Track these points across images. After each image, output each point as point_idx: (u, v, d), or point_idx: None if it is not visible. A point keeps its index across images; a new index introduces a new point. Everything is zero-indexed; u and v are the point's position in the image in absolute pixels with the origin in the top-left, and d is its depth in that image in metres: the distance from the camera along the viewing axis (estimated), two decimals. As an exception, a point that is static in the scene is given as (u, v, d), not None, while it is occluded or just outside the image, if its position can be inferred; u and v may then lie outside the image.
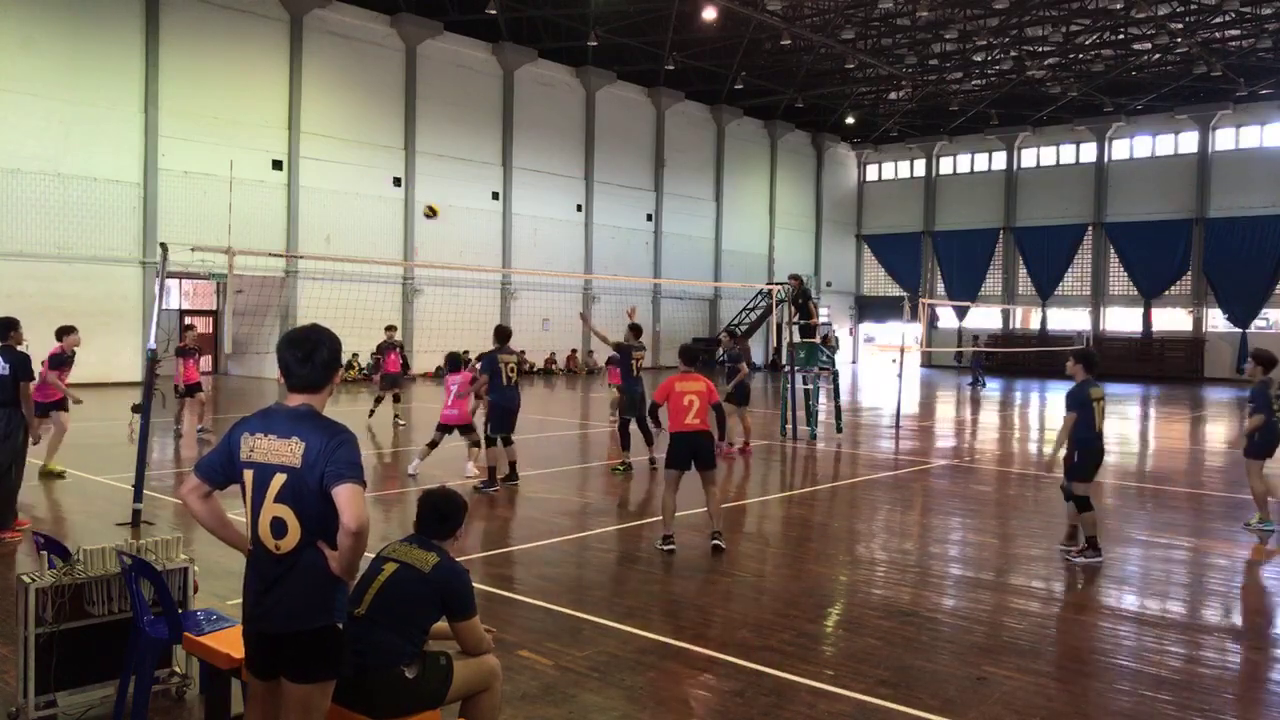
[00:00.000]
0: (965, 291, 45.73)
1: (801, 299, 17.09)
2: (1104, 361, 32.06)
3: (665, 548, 8.30)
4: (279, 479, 3.34)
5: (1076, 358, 8.64)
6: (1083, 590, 7.65)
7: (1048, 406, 26.83)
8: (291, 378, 3.46)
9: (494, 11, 30.28)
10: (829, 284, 48.61)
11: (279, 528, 3.33)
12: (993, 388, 32.25)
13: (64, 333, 11.39)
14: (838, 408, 18.23)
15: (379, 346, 19.16)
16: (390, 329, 19.25)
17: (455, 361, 12.42)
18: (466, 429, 12.07)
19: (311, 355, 3.45)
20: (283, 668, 3.40)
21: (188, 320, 26.57)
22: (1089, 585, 7.80)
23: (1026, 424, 22.19)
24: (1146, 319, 41.88)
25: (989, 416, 23.22)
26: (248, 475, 3.42)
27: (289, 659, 3.38)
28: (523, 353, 11.30)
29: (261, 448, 3.40)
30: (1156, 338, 41.63)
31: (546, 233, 36.16)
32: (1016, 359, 39.65)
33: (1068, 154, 44.72)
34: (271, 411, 3.49)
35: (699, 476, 8.49)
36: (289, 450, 3.34)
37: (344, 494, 3.23)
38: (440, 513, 4.10)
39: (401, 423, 17.41)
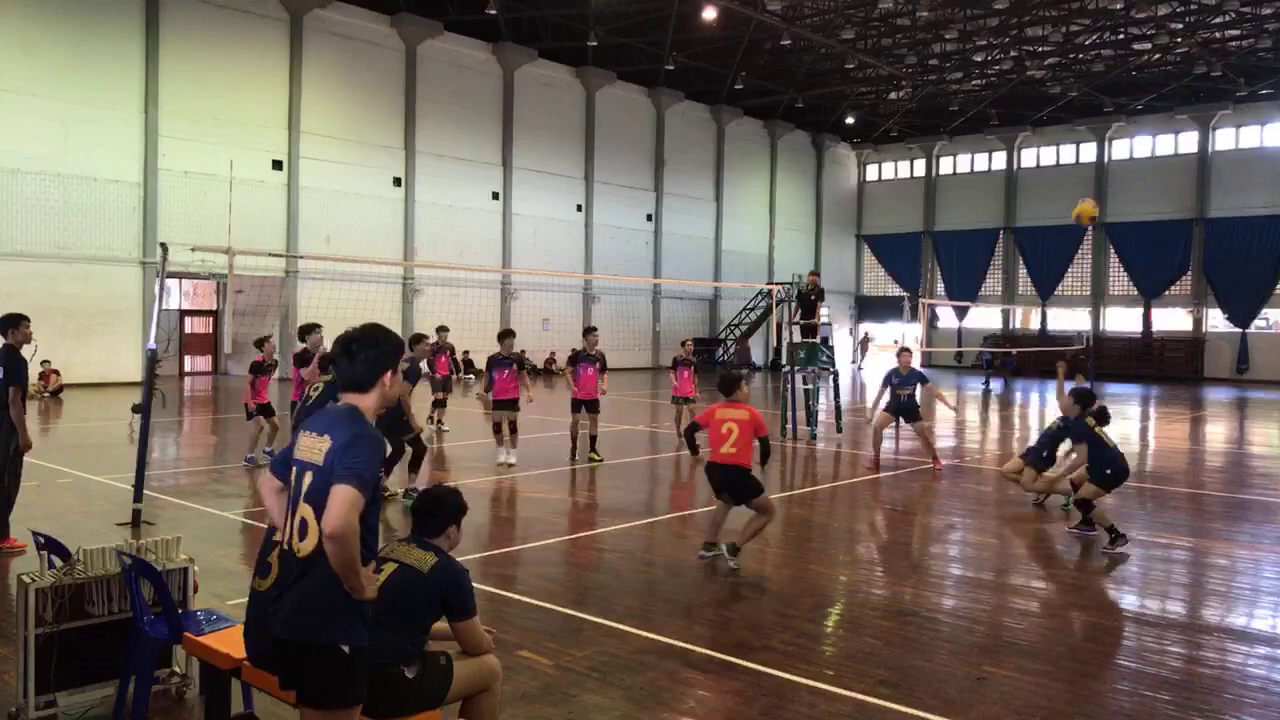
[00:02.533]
0: (965, 291, 45.72)
1: (814, 296, 17.42)
2: (1105, 361, 32.12)
3: (702, 554, 7.92)
4: (308, 477, 3.31)
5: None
6: (1083, 590, 7.65)
7: (1048, 407, 26.78)
8: (337, 375, 3.49)
9: (494, 11, 30.25)
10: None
11: (302, 528, 3.28)
12: (992, 387, 32.18)
13: (307, 330, 12.00)
14: (838, 408, 18.27)
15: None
16: (442, 330, 17.58)
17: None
18: (592, 406, 13.70)
19: (353, 352, 3.41)
20: (293, 685, 3.36)
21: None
22: (1089, 585, 7.80)
23: (1027, 424, 22.16)
24: (1146, 319, 41.87)
25: (989, 416, 23.20)
26: (293, 472, 3.40)
27: (296, 676, 3.33)
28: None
29: (304, 445, 3.38)
30: (1156, 338, 41.62)
31: (546, 233, 36.14)
32: (1016, 359, 39.59)
33: (1068, 154, 44.70)
34: (325, 410, 3.51)
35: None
36: (319, 447, 3.30)
37: (335, 494, 3.14)
38: (427, 510, 4.11)
39: (446, 429, 16.49)
